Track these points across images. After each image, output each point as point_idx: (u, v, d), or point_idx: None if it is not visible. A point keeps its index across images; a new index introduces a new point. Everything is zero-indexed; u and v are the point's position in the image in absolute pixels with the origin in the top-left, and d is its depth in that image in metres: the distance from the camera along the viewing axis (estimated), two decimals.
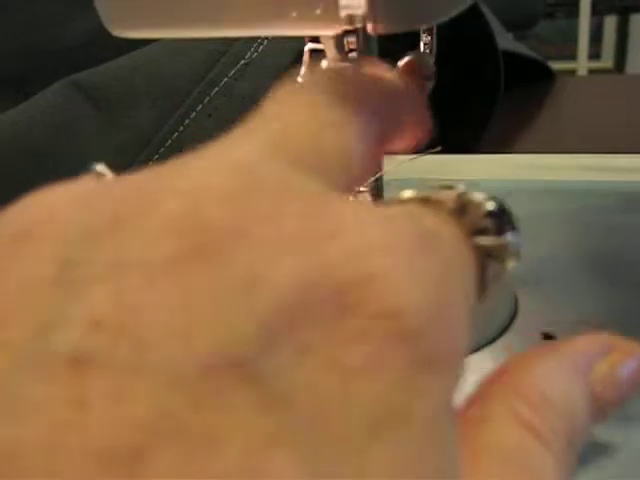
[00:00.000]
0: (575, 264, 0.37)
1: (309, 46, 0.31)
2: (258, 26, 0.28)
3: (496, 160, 0.54)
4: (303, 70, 0.32)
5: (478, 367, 0.31)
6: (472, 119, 0.70)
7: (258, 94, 0.56)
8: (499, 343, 0.31)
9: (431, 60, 0.31)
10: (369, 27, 0.26)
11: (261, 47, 0.55)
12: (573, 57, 2.23)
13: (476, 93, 0.71)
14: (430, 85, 0.31)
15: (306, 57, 0.32)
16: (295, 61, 0.59)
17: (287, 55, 0.57)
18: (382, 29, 0.26)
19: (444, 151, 0.54)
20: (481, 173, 0.51)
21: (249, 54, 0.55)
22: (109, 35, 0.45)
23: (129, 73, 0.55)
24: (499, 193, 0.47)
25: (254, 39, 0.55)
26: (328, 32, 0.28)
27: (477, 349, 0.31)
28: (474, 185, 0.49)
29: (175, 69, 0.54)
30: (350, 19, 0.28)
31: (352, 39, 0.30)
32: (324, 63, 0.31)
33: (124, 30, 0.29)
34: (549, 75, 0.98)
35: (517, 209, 0.44)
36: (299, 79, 0.33)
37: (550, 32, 2.25)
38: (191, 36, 0.29)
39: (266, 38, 0.55)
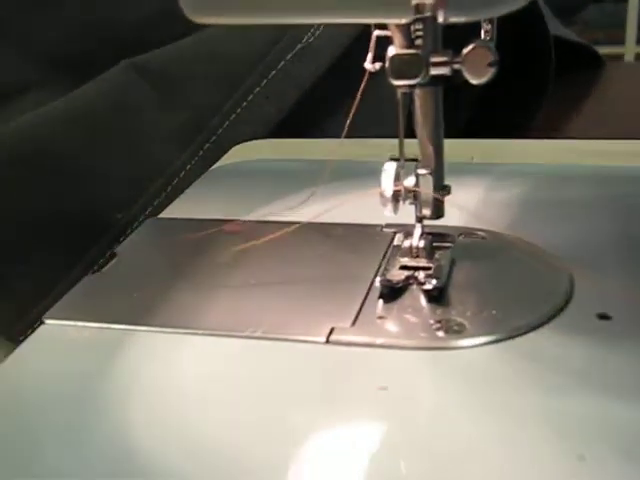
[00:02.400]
0: (625, 247, 0.38)
1: (376, 33, 0.32)
2: (330, 14, 0.29)
3: (544, 145, 0.54)
4: (370, 55, 0.33)
5: (535, 345, 0.32)
6: (523, 105, 0.70)
7: (314, 77, 0.58)
8: (555, 323, 0.32)
9: (494, 48, 0.32)
10: (439, 16, 0.28)
11: (317, 32, 0.56)
12: (621, 42, 2.19)
13: (527, 79, 0.71)
14: (493, 72, 0.32)
15: (373, 43, 0.33)
16: (350, 45, 0.60)
17: (342, 39, 0.58)
18: (453, 17, 0.27)
19: (495, 135, 0.55)
20: (529, 158, 0.52)
21: (306, 38, 0.56)
22: (168, 19, 0.46)
23: (189, 56, 0.56)
24: (549, 178, 0.47)
25: (311, 24, 0.56)
26: (399, 20, 0.29)
27: (534, 328, 0.32)
28: (518, 169, 0.50)
29: (234, 52, 0.55)
30: (420, 8, 0.29)
31: (419, 26, 0.31)
32: (391, 50, 0.32)
33: (203, 16, 0.30)
34: (598, 61, 0.97)
35: (566, 193, 0.45)
36: (366, 65, 0.34)
37: (598, 17, 2.22)
38: (265, 22, 0.30)
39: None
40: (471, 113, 0.72)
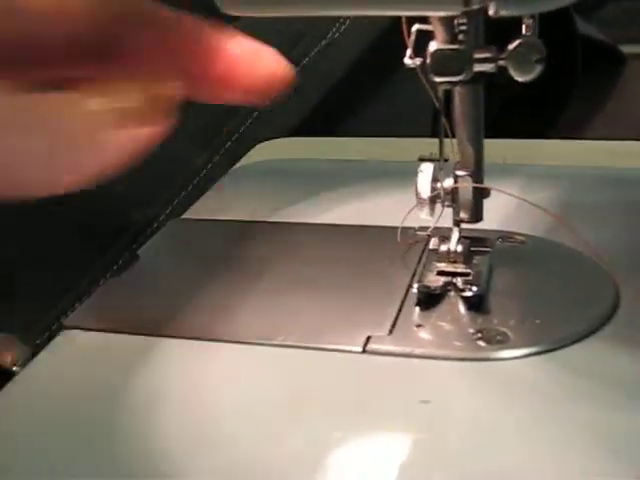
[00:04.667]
0: None
1: (417, 26, 0.31)
2: (373, 5, 0.27)
3: (576, 146, 0.53)
4: (409, 50, 0.32)
5: (582, 357, 0.30)
6: (548, 104, 0.69)
7: (338, 73, 0.56)
8: (602, 333, 0.31)
9: (541, 44, 0.30)
10: (490, 8, 0.26)
11: (343, 27, 0.55)
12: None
13: (553, 78, 0.70)
14: (540, 69, 0.30)
15: (412, 37, 0.31)
16: (374, 42, 0.58)
17: (367, 36, 0.56)
18: (504, 11, 0.26)
19: (521, 134, 0.53)
20: (561, 158, 0.51)
21: (330, 34, 0.55)
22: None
23: None
24: (584, 180, 0.46)
25: (336, 20, 0.54)
26: (446, 12, 0.28)
27: (580, 339, 0.30)
28: (551, 171, 0.48)
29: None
30: (468, 1, 0.27)
31: (463, 20, 0.30)
32: (432, 45, 0.31)
33: (236, 9, 0.28)
34: (619, 59, 0.96)
35: (603, 196, 0.43)
36: (406, 61, 0.32)
37: (616, 14, 2.20)
38: (301, 14, 0.29)
39: (348, 18, 0.55)
40: (496, 114, 0.70)
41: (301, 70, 0.54)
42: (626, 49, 1.03)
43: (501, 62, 0.30)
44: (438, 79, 0.31)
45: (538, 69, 0.30)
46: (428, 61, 0.30)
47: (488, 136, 0.50)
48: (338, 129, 0.57)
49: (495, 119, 0.70)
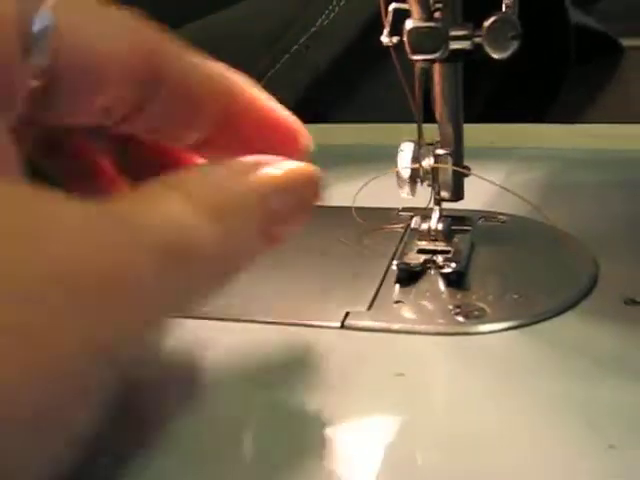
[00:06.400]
0: None
1: (393, 5, 0.31)
2: None
3: (563, 129, 0.53)
4: (386, 29, 0.32)
5: (559, 331, 0.30)
6: (541, 90, 0.69)
7: (327, 61, 0.56)
8: (579, 308, 0.31)
9: (517, 20, 0.30)
10: None
11: (332, 14, 0.55)
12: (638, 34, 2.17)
13: (546, 65, 0.70)
14: (516, 45, 0.30)
15: (390, 17, 0.32)
16: (363, 29, 0.58)
17: (356, 24, 0.56)
18: None
19: (512, 119, 0.53)
20: (548, 142, 0.51)
21: (320, 21, 0.55)
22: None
23: (204, 35, 0.55)
24: (569, 162, 0.46)
25: (326, 6, 0.55)
26: None
27: (558, 313, 0.31)
28: (538, 153, 0.49)
29: (250, 32, 0.54)
30: None
31: None
32: (408, 23, 0.31)
33: None
34: (617, 49, 0.96)
35: (587, 178, 0.43)
36: (382, 39, 0.32)
37: (615, 7, 2.20)
38: None
39: (337, 5, 0.55)
40: (488, 99, 0.70)
41: (290, 58, 0.54)
42: (626, 42, 1.03)
43: (477, 39, 0.31)
44: (415, 57, 0.31)
45: (514, 45, 0.30)
46: (405, 39, 0.31)
47: (477, 120, 0.51)
48: (328, 115, 0.57)
49: (487, 106, 0.70)
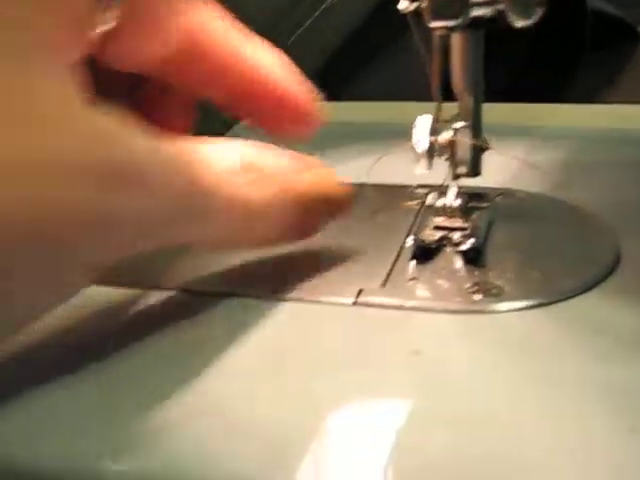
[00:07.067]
0: None
1: None
2: None
3: (586, 109, 0.52)
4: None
5: (580, 310, 0.29)
6: (556, 72, 0.68)
7: (338, 39, 0.55)
8: (601, 288, 0.30)
9: None
10: None
11: None
12: None
13: (562, 48, 0.69)
14: (540, 12, 0.29)
15: None
16: (376, 5, 0.57)
17: (367, 2, 0.55)
18: None
19: (526, 99, 0.52)
20: (569, 121, 0.50)
21: None
22: None
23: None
24: (590, 141, 0.45)
25: None
26: None
27: (579, 292, 0.29)
28: (557, 132, 0.47)
29: (259, 5, 0.53)
30: None
31: None
32: None
33: None
34: (633, 35, 0.94)
35: (608, 156, 0.42)
36: (400, 6, 0.31)
37: None
38: None
39: None
40: (504, 77, 0.69)
41: (300, 35, 0.53)
42: None
43: (500, 6, 0.29)
44: (435, 24, 0.30)
45: (539, 12, 0.29)
46: (424, 5, 0.30)
47: (493, 98, 0.49)
48: (343, 93, 0.56)
49: (505, 89, 0.69)
